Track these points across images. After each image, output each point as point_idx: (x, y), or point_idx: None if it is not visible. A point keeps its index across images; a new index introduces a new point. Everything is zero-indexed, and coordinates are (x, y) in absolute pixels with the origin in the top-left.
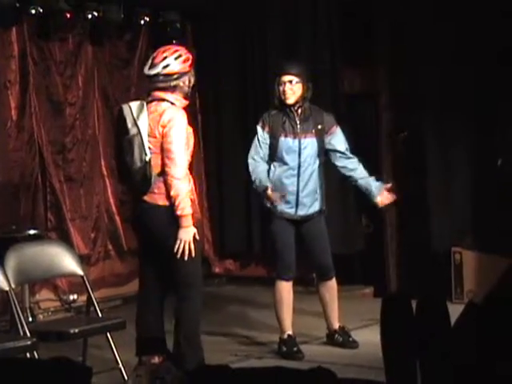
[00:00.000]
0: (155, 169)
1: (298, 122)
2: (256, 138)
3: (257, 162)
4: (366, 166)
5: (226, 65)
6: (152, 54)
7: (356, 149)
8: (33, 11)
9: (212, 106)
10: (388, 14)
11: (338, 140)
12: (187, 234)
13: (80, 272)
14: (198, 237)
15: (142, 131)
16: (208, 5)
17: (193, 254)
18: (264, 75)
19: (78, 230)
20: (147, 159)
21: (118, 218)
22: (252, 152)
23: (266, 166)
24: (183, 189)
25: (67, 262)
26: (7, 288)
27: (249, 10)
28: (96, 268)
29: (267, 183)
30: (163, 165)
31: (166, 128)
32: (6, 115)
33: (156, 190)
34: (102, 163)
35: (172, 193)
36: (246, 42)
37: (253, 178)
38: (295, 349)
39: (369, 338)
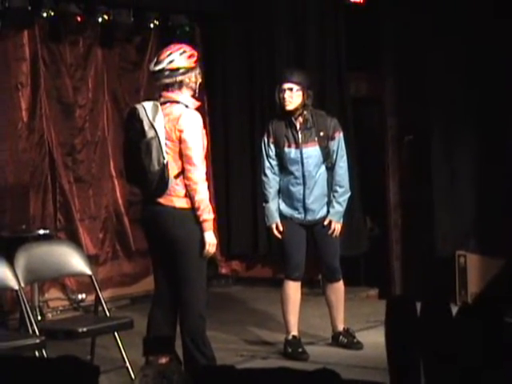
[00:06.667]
0: (172, 171)
1: (299, 132)
2: (263, 153)
3: (270, 182)
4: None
5: (234, 67)
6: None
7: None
8: (44, 14)
9: (220, 108)
10: (394, 18)
11: (335, 147)
12: (213, 237)
13: (88, 272)
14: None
15: (159, 134)
16: (217, 8)
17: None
18: (272, 78)
19: (87, 230)
20: (165, 162)
21: (126, 219)
22: (263, 169)
23: (276, 187)
24: (205, 192)
25: (76, 262)
26: (17, 287)
27: (257, 15)
28: (104, 268)
29: (275, 219)
30: (182, 169)
31: (183, 133)
32: (17, 117)
33: (172, 193)
34: (111, 164)
35: (196, 197)
36: (254, 45)
37: (263, 204)
38: (300, 350)
39: (373, 339)
